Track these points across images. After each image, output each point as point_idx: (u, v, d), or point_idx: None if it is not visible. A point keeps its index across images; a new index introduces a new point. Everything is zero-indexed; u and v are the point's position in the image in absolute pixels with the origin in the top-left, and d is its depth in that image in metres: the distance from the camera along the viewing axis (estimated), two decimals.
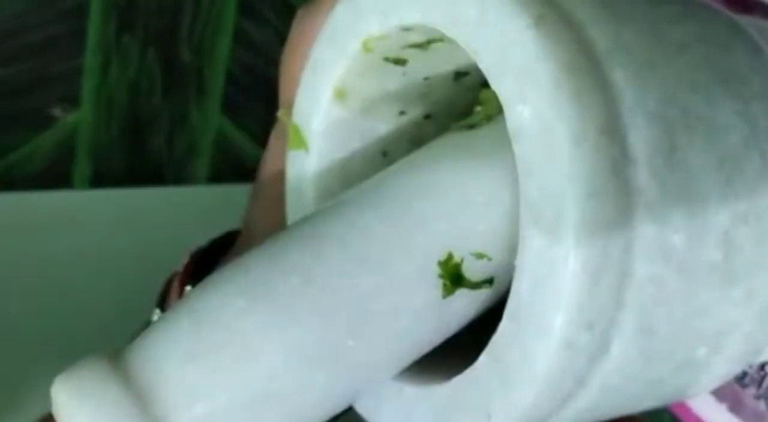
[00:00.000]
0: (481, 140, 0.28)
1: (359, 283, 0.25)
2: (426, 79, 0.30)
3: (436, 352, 0.27)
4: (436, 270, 0.26)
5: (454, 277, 0.26)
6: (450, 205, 0.26)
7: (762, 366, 0.37)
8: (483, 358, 0.25)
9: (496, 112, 0.24)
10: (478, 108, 0.29)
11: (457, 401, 0.26)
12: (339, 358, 0.25)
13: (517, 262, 0.24)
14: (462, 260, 0.26)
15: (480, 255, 0.26)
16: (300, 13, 0.34)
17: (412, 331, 0.26)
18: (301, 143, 0.30)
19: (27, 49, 0.73)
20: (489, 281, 0.27)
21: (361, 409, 0.29)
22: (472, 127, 0.28)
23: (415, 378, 0.27)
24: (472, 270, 0.26)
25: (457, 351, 0.27)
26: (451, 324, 0.27)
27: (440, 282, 0.26)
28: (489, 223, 0.26)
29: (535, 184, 0.23)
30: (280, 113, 0.32)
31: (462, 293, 0.26)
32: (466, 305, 0.27)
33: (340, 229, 0.26)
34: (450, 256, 0.26)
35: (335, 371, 0.25)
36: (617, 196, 0.23)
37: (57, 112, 0.74)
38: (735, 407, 0.38)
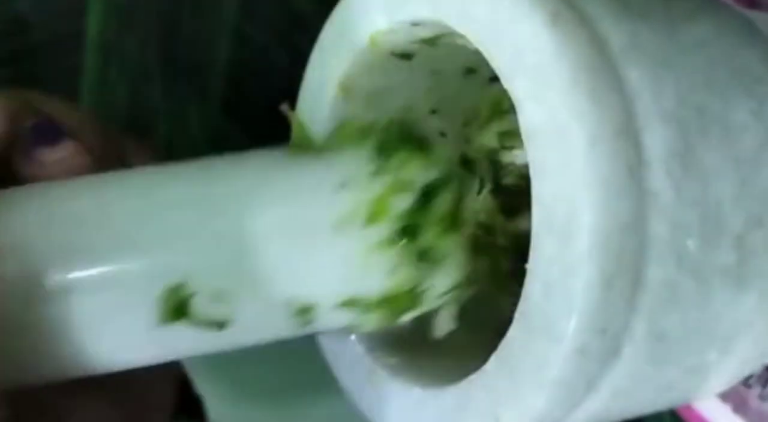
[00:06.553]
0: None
1: None
2: (433, 74, 0.29)
3: (446, 354, 0.27)
4: None
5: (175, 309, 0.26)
6: None
7: (767, 367, 0.37)
8: (493, 361, 0.25)
9: None
10: None
11: (465, 404, 0.26)
12: None
13: (529, 266, 0.24)
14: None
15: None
16: None
17: None
18: (306, 139, 0.30)
19: (26, 49, 0.72)
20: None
21: (366, 409, 0.29)
22: None
23: (423, 379, 0.27)
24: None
25: (466, 354, 0.27)
26: None
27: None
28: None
29: (549, 187, 0.23)
30: (283, 107, 0.31)
31: None
32: None
33: None
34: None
35: None
36: (632, 199, 0.23)
37: None
38: (739, 408, 0.37)
